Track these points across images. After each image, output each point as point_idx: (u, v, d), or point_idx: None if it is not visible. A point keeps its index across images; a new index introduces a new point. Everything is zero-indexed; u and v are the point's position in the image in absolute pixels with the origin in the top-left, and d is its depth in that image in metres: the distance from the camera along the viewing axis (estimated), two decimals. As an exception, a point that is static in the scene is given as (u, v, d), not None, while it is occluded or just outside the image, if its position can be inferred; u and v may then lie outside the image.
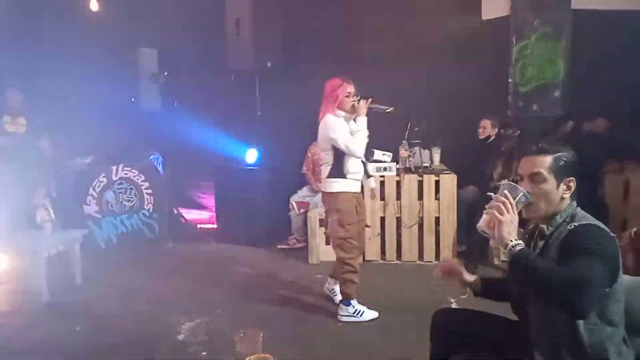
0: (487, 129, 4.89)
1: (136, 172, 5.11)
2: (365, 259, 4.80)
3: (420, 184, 4.72)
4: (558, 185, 1.76)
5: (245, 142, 5.46)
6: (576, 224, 1.71)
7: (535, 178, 1.76)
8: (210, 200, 6.26)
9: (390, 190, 4.76)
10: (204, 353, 3.17)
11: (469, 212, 4.64)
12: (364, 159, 3.62)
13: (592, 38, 5.04)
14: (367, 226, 3.94)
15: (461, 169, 4.88)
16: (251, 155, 5.45)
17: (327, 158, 3.53)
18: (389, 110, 3.58)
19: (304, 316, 3.70)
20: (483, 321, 2.10)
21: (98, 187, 4.80)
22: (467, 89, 5.28)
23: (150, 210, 5.21)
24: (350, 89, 3.50)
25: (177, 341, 3.36)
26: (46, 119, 5.33)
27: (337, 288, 3.86)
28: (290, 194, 5.42)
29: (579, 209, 1.79)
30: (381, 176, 4.75)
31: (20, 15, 5.71)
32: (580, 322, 1.64)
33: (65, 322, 3.66)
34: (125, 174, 5.02)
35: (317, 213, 4.89)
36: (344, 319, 3.58)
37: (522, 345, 1.85)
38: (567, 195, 1.77)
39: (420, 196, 4.73)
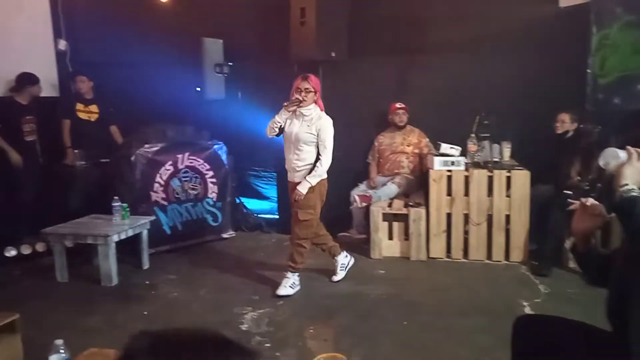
0: (565, 123, 4.58)
1: (201, 161, 5.17)
2: (430, 256, 4.67)
3: (490, 179, 4.52)
4: None
5: (307, 132, 5.40)
6: None
7: None
8: (272, 191, 6.27)
9: (458, 185, 4.58)
10: (267, 345, 3.15)
11: (542, 211, 4.40)
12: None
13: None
14: (301, 220, 3.86)
15: (533, 165, 4.63)
16: (313, 146, 5.39)
17: None
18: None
19: (367, 312, 3.61)
20: (572, 331, 1.94)
21: (165, 174, 4.89)
22: (541, 80, 5.00)
23: (214, 199, 5.27)
24: (300, 84, 3.76)
25: (241, 331, 3.37)
26: (116, 107, 5.49)
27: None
28: (352, 187, 5.34)
29: None
30: (448, 171, 4.60)
31: (91, 6, 5.89)
32: None
33: (133, 307, 3.76)
34: (191, 162, 5.09)
35: (380, 207, 4.79)
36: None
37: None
38: None
39: (490, 192, 4.53)
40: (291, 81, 5.52)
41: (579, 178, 4.28)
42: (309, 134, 3.80)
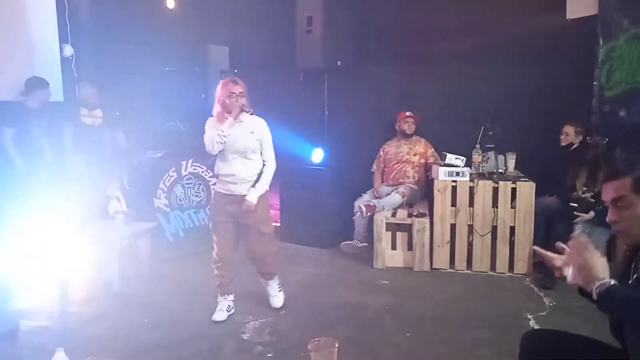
0: (569, 135, 4.57)
1: (204, 168, 5.15)
2: (433, 266, 4.63)
3: (495, 190, 4.49)
4: None
5: (311, 141, 5.40)
6: None
7: (619, 204, 1.60)
8: (274, 199, 6.24)
9: (463, 196, 4.55)
10: (269, 355, 3.12)
11: (547, 223, 4.37)
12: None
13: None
14: (265, 233, 3.72)
15: (538, 177, 4.60)
16: (317, 155, 5.39)
17: None
18: None
19: (370, 323, 3.57)
20: (582, 347, 1.90)
21: (168, 181, 4.87)
22: (547, 91, 4.99)
23: (216, 206, 5.24)
24: (234, 89, 3.45)
25: (243, 340, 3.34)
26: (121, 113, 5.48)
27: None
28: (355, 196, 5.32)
29: None
30: (453, 181, 4.57)
31: (98, 12, 5.90)
32: None
33: (133, 314, 3.73)
34: (194, 169, 5.08)
35: (383, 216, 4.76)
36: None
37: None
38: None
39: (495, 203, 4.50)
40: (296, 89, 5.58)
41: (584, 189, 4.25)
42: (256, 140, 3.56)
